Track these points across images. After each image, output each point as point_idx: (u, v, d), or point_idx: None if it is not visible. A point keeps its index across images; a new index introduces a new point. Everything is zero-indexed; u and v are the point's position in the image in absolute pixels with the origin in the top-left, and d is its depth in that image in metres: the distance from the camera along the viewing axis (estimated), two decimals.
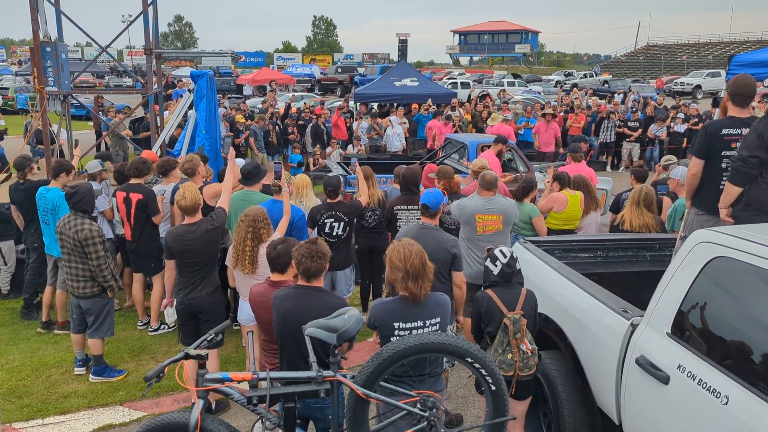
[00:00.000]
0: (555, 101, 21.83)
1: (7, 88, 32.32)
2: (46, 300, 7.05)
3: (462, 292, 4.90)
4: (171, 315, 5.48)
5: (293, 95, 26.55)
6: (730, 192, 4.25)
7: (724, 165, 4.47)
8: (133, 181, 6.79)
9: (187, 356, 3.08)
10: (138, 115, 16.51)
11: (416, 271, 3.45)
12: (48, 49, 9.51)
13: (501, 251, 4.09)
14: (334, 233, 6.25)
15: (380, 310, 3.59)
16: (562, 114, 17.29)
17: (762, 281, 2.96)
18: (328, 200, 6.32)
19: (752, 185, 4.20)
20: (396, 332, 3.50)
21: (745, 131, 4.39)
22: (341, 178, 7.79)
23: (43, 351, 6.55)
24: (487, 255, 4.16)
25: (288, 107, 18.03)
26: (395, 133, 15.76)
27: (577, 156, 8.65)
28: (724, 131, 4.45)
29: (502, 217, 5.82)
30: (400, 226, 6.38)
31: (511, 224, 6.00)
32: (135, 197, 6.66)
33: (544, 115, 15.20)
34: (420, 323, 3.52)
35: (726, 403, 2.83)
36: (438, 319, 3.57)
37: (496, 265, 4.05)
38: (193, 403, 3.11)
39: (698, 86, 41.09)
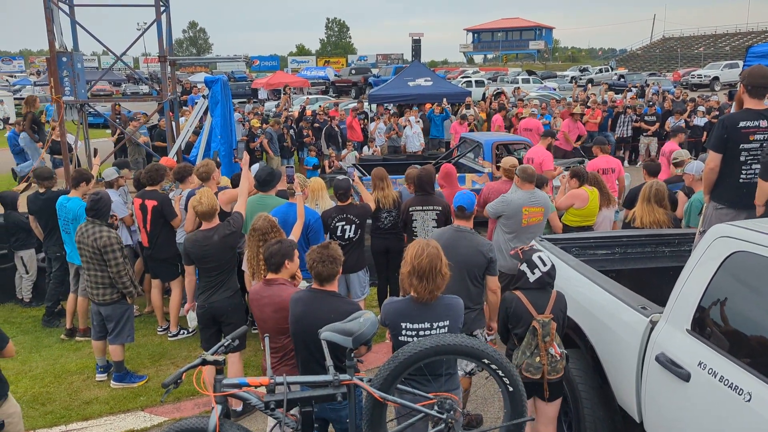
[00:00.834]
0: (570, 97, 21.66)
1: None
2: (70, 307, 7.14)
3: (497, 297, 4.77)
4: (192, 319, 5.54)
5: (308, 98, 26.61)
6: (763, 188, 4.18)
7: (742, 158, 4.40)
8: (148, 188, 6.85)
9: (204, 362, 3.09)
10: (154, 122, 16.65)
11: (422, 270, 3.41)
12: (64, 59, 9.63)
13: (540, 258, 3.96)
14: (346, 236, 6.24)
15: (389, 308, 3.59)
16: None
17: None
18: (339, 203, 6.32)
19: None
20: (403, 332, 3.48)
21: (763, 123, 4.33)
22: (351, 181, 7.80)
23: (65, 358, 6.62)
24: (522, 258, 4.03)
25: (303, 110, 18.10)
26: (415, 133, 15.74)
27: (605, 148, 9.02)
28: (741, 124, 4.38)
29: (543, 209, 6.15)
30: (415, 227, 6.36)
31: (548, 216, 6.25)
32: (150, 204, 6.72)
33: (572, 115, 15.06)
34: (427, 325, 3.48)
35: (749, 400, 2.78)
36: (447, 323, 3.51)
37: (534, 273, 3.95)
38: (212, 409, 3.13)
39: (716, 78, 40.63)
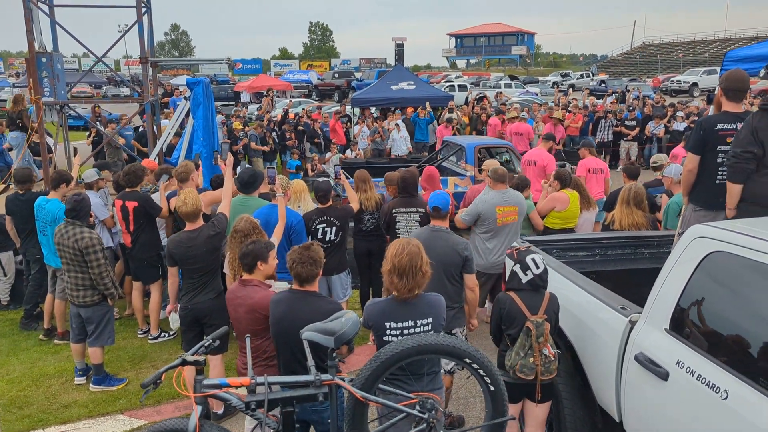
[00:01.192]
0: (552, 102, 21.84)
1: (5, 100, 32.33)
2: (47, 308, 7.05)
3: (475, 295, 4.85)
4: (175, 321, 5.49)
5: (291, 101, 26.55)
6: (732, 191, 4.24)
7: (719, 160, 4.46)
8: (127, 189, 6.79)
9: (184, 362, 3.06)
10: (137, 123, 16.52)
11: (402, 267, 3.43)
12: (43, 59, 9.52)
13: (534, 260, 3.97)
14: (327, 239, 6.23)
15: (372, 309, 3.59)
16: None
17: (759, 275, 2.95)
18: (319, 206, 6.31)
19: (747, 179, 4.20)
20: (388, 332, 3.49)
21: (740, 125, 4.40)
22: (332, 182, 7.81)
23: (44, 361, 6.54)
24: (516, 259, 4.04)
25: (285, 113, 18.06)
26: (402, 137, 15.72)
27: (593, 150, 9.30)
28: (719, 126, 4.44)
29: (517, 208, 6.25)
30: (398, 230, 6.38)
31: (523, 215, 6.34)
32: (131, 205, 6.66)
33: (552, 119, 15.19)
34: (411, 323, 3.50)
35: (726, 398, 2.82)
36: (430, 320, 3.54)
37: (526, 274, 3.97)
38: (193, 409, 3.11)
39: (695, 84, 41.17)
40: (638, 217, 6.12)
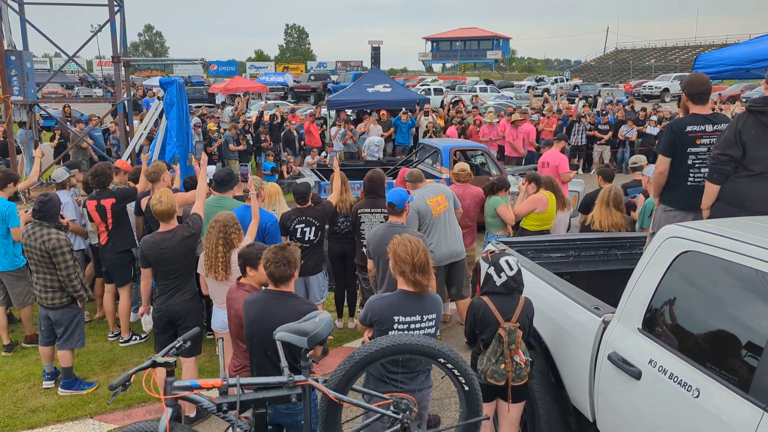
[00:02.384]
0: (527, 105, 22.02)
1: None
2: (1, 322, 6.70)
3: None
4: (147, 323, 5.40)
5: (266, 103, 26.39)
6: (709, 191, 4.29)
7: (690, 161, 4.53)
8: (98, 190, 6.67)
9: (154, 364, 3.00)
10: (107, 124, 16.27)
11: (422, 264, 3.55)
12: (12, 57, 9.36)
13: (507, 262, 3.96)
14: (306, 238, 6.20)
15: (380, 304, 3.64)
16: (534, 117, 17.44)
17: (730, 275, 2.98)
18: (298, 206, 6.28)
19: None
20: (395, 325, 3.56)
21: (709, 127, 4.47)
22: (312, 184, 7.76)
23: (10, 365, 6.38)
24: (491, 261, 4.03)
25: (260, 115, 17.95)
26: (378, 146, 15.66)
27: (559, 144, 9.67)
28: (689, 128, 4.51)
29: (444, 195, 6.37)
30: (363, 230, 6.35)
31: (452, 199, 6.45)
32: (108, 203, 6.55)
33: (513, 123, 15.35)
34: (418, 317, 3.59)
35: (697, 396, 2.84)
36: (434, 315, 3.65)
37: (500, 276, 3.95)
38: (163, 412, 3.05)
39: (666, 89, 41.87)
40: (617, 218, 6.23)
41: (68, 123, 15.31)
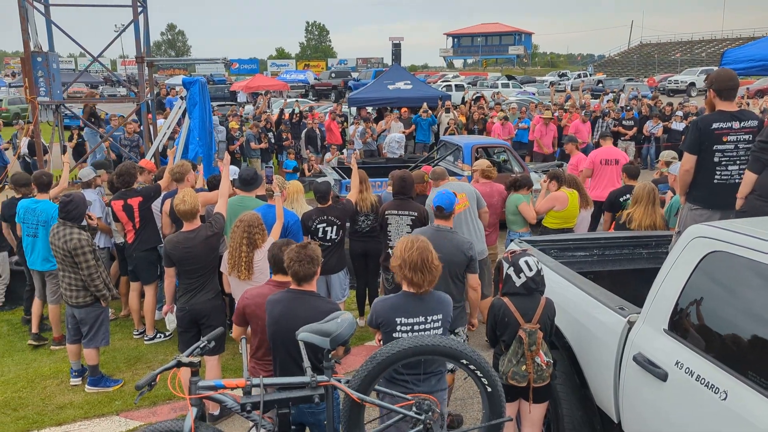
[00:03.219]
0: (549, 101, 21.82)
1: (0, 100, 32.25)
2: (35, 311, 6.92)
3: (477, 295, 4.88)
4: (171, 322, 5.46)
5: (286, 101, 26.48)
6: (747, 179, 4.24)
7: (716, 159, 4.46)
8: (124, 189, 6.75)
9: (179, 364, 3.03)
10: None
11: (413, 262, 3.48)
12: (39, 59, 9.49)
13: (527, 263, 3.92)
14: (328, 237, 6.22)
15: (382, 305, 3.61)
16: (557, 115, 17.29)
17: (758, 275, 2.93)
18: (319, 206, 6.30)
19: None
20: (398, 327, 3.52)
21: (735, 124, 4.40)
22: (332, 182, 7.78)
23: (39, 362, 6.50)
24: (510, 262, 3.99)
25: (281, 113, 18.03)
26: (398, 143, 15.64)
27: (608, 140, 9.44)
28: (715, 125, 4.44)
29: (465, 195, 6.28)
30: (390, 231, 6.33)
31: (475, 200, 6.40)
32: (135, 201, 6.63)
33: (546, 120, 15.23)
34: (422, 318, 3.54)
35: (725, 399, 2.80)
36: (440, 316, 3.59)
37: (519, 277, 3.92)
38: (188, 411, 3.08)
39: (692, 84, 41.22)
40: (657, 217, 6.10)
41: (92, 121, 15.53)
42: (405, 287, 3.60)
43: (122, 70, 59.24)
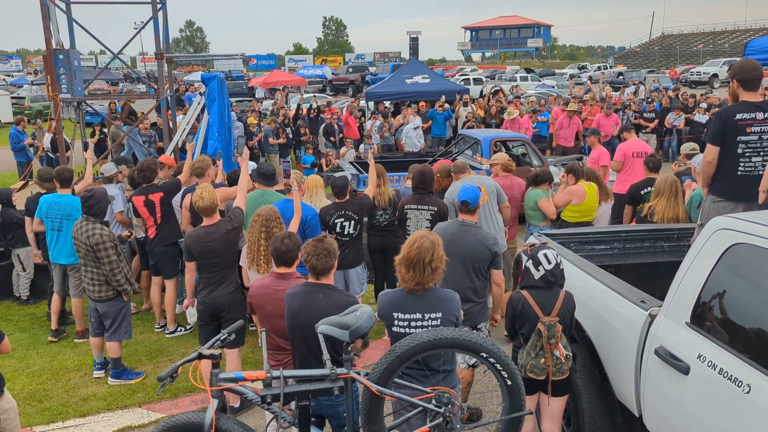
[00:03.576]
0: (568, 94, 21.63)
1: (23, 98, 32.69)
2: (54, 308, 7.00)
3: (501, 290, 4.86)
4: (192, 315, 5.53)
5: (302, 96, 26.51)
6: None
7: (740, 150, 4.39)
8: (145, 185, 6.82)
9: (200, 356, 3.06)
10: (152, 120, 16.62)
11: (411, 259, 3.43)
12: (60, 56, 9.61)
13: (545, 255, 3.91)
14: (346, 232, 6.24)
15: (383, 299, 3.62)
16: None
17: None
18: (337, 200, 6.31)
19: None
20: (395, 322, 3.51)
21: (760, 115, 4.32)
22: (349, 177, 7.79)
23: (63, 355, 6.60)
24: (529, 255, 3.98)
25: (298, 108, 18.08)
26: (418, 135, 15.64)
27: (632, 132, 9.28)
28: (738, 116, 4.37)
29: (484, 189, 6.13)
30: (409, 226, 6.33)
31: (495, 195, 6.40)
32: (156, 197, 6.69)
33: (570, 114, 15.09)
34: (419, 315, 3.49)
35: (748, 392, 2.77)
36: (439, 314, 3.50)
37: (538, 270, 3.91)
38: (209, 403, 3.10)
39: (715, 75, 40.59)
40: (680, 210, 6.03)
41: (114, 117, 15.69)
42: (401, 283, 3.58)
43: (142, 67, 59.76)
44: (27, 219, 7.34)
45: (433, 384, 3.41)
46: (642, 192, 6.99)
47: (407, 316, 3.49)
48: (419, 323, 3.49)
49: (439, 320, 3.51)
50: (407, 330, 3.47)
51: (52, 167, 10.16)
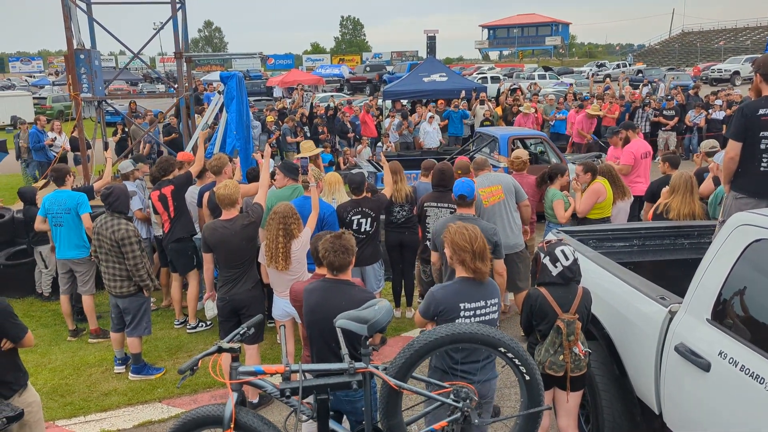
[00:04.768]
0: (587, 93, 21.46)
1: (45, 98, 33.12)
2: (65, 309, 7.02)
3: (503, 280, 4.95)
4: (210, 309, 5.57)
5: (314, 94, 26.55)
6: None
7: (763, 146, 4.33)
8: (161, 179, 6.90)
9: (220, 349, 3.09)
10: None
11: (481, 250, 3.59)
12: (82, 56, 9.73)
13: (563, 252, 3.90)
14: (362, 229, 6.26)
15: (444, 293, 3.65)
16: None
17: None
18: (354, 197, 6.33)
19: None
20: (462, 312, 3.59)
21: None
22: (366, 174, 7.79)
23: (84, 351, 6.69)
24: (546, 252, 3.98)
25: (311, 106, 18.12)
26: (434, 129, 15.67)
27: (637, 132, 9.19)
28: (761, 111, 4.31)
29: (501, 186, 6.32)
30: (428, 224, 6.33)
31: (512, 193, 6.39)
32: (168, 190, 6.79)
33: (588, 115, 15.07)
34: (483, 303, 3.63)
35: None
36: (496, 300, 3.69)
37: (556, 267, 3.90)
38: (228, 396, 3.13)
39: (736, 72, 40.00)
40: (697, 206, 5.96)
41: (135, 116, 15.88)
42: (462, 273, 3.66)
43: (161, 67, 60.29)
44: (39, 217, 7.37)
45: (483, 375, 3.59)
46: (663, 189, 6.92)
47: (473, 304, 3.61)
48: (483, 310, 3.63)
49: (496, 306, 3.68)
50: (473, 319, 3.58)
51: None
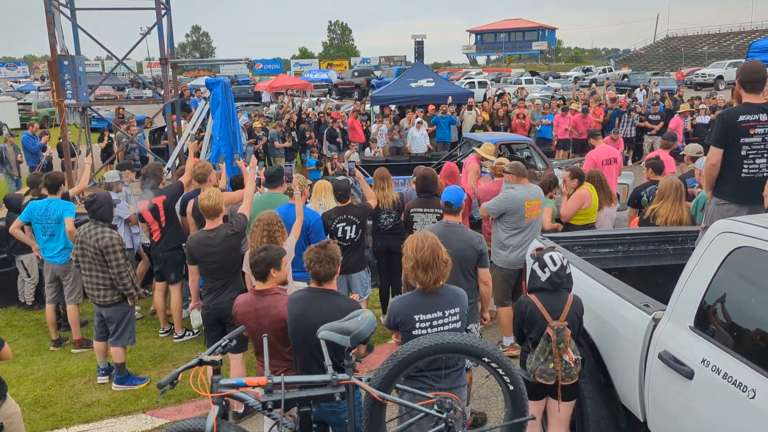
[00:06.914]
0: (571, 96, 21.57)
1: (30, 104, 32.84)
2: (50, 319, 6.94)
3: (488, 289, 4.89)
4: (196, 319, 5.53)
5: (302, 99, 26.51)
6: None
7: (743, 152, 4.36)
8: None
9: (201, 362, 3.06)
10: (158, 125, 16.72)
11: (426, 262, 3.49)
12: (65, 62, 9.63)
13: (551, 258, 3.89)
14: (347, 237, 6.23)
15: (399, 305, 3.61)
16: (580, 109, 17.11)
17: None
18: (338, 204, 6.31)
19: None
20: (417, 324, 3.52)
21: (763, 117, 4.30)
22: (352, 181, 7.78)
23: (67, 361, 6.61)
24: (535, 258, 3.97)
25: (299, 111, 18.08)
26: (421, 134, 15.69)
27: (599, 139, 9.46)
28: (741, 118, 4.34)
29: (540, 202, 6.28)
30: (416, 229, 6.32)
31: (543, 208, 6.35)
32: (159, 200, 6.74)
33: (564, 110, 15.28)
34: (439, 314, 3.54)
35: (753, 397, 2.74)
36: (457, 309, 3.59)
37: (544, 272, 3.88)
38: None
39: (720, 77, 40.40)
40: (684, 213, 5.98)
41: (122, 121, 15.77)
42: (416, 284, 3.60)
43: (148, 73, 59.96)
44: (27, 227, 7.27)
45: (448, 383, 3.48)
46: (642, 193, 6.97)
47: (428, 316, 3.53)
48: (440, 321, 3.54)
49: (457, 315, 3.59)
50: (429, 330, 3.52)
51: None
